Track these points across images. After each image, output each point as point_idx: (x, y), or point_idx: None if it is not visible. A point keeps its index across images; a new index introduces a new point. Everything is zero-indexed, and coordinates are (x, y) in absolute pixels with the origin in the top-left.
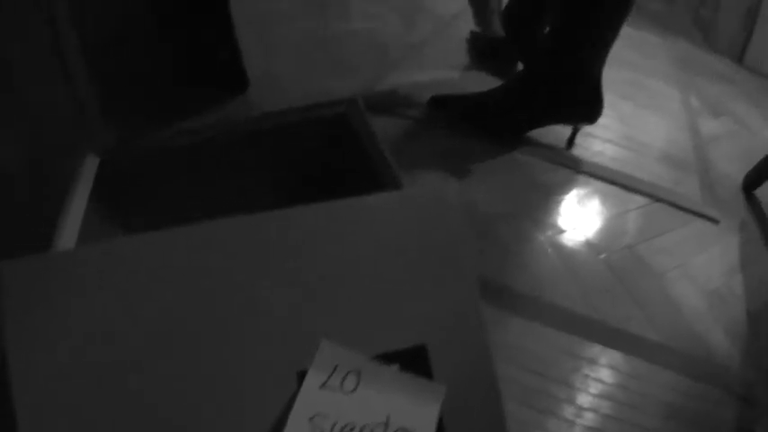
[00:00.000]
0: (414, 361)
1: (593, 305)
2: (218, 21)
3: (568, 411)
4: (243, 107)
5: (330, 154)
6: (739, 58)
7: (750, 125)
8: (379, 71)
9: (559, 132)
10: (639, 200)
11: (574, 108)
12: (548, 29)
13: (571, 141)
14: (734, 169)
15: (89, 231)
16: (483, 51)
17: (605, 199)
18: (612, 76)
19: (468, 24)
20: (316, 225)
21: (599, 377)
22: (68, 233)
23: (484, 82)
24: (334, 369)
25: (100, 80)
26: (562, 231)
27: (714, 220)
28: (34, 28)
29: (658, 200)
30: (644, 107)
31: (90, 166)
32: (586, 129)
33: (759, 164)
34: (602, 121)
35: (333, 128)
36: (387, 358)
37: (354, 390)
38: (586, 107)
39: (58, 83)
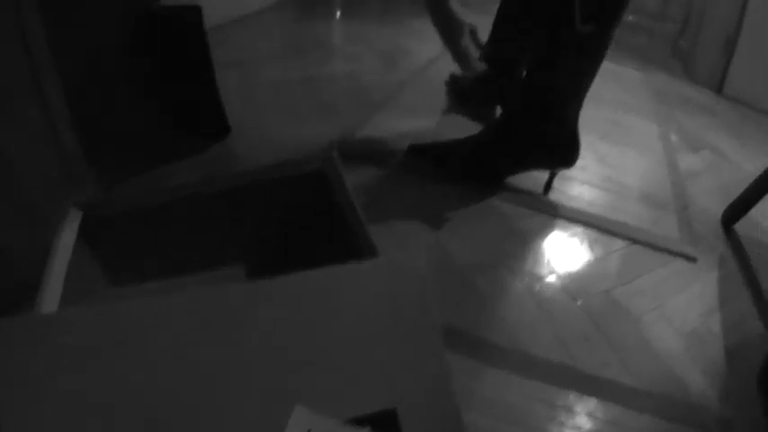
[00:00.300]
0: (384, 425)
1: (570, 353)
2: (201, 73)
3: None
4: (224, 154)
5: (307, 210)
6: (719, 88)
7: (730, 157)
8: (360, 115)
9: (537, 177)
10: (617, 242)
11: (550, 153)
12: (524, 71)
13: (548, 186)
14: (713, 204)
15: (74, 284)
16: (461, 94)
17: (582, 244)
18: (591, 115)
19: (447, 66)
20: (289, 295)
21: (576, 425)
22: (53, 288)
23: (463, 127)
24: None
25: (84, 128)
26: (539, 279)
27: (692, 259)
28: (19, 80)
29: (636, 241)
30: (623, 145)
31: (73, 220)
32: (564, 172)
33: (738, 198)
34: (580, 162)
35: (310, 184)
36: (358, 422)
37: None
38: (563, 152)
39: (43, 133)
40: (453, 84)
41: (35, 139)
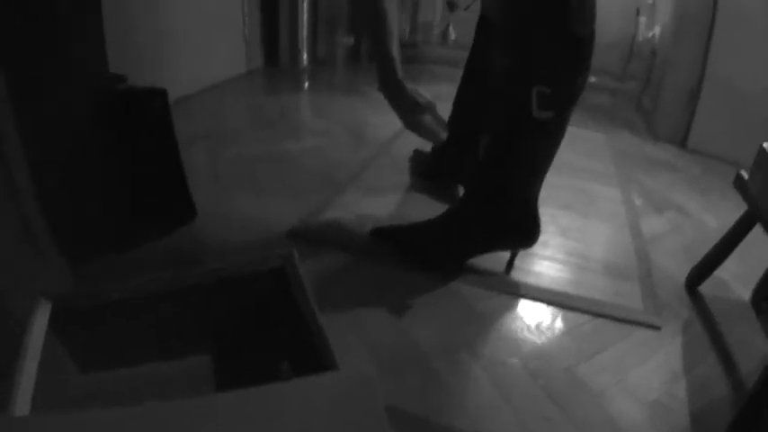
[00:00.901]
0: None
1: None
2: (167, 158)
3: None
4: (190, 236)
5: (268, 307)
6: (682, 142)
7: (694, 215)
8: (325, 194)
9: (499, 256)
10: (580, 318)
11: (511, 235)
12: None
13: (510, 265)
14: (677, 267)
15: (44, 374)
16: (424, 171)
17: (544, 322)
18: (554, 184)
19: (411, 141)
20: (240, 411)
21: None
22: (24, 388)
23: (427, 207)
24: None
25: (50, 212)
26: (500, 361)
27: (655, 327)
28: None
29: (598, 315)
30: (585, 215)
31: (43, 311)
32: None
33: (701, 261)
34: (542, 237)
35: (270, 282)
36: None
37: None
38: (523, 233)
39: (11, 218)
40: (416, 160)
41: (2, 224)
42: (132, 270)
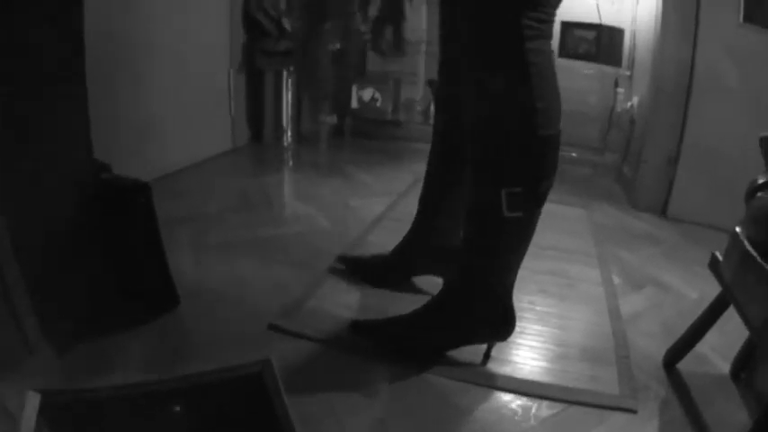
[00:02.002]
0: None
1: None
2: (150, 249)
3: None
4: (171, 324)
5: (244, 414)
6: (663, 210)
7: (674, 288)
8: (305, 284)
9: (477, 347)
10: (556, 406)
11: (486, 329)
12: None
13: (487, 356)
14: (655, 347)
15: None
16: (372, 276)
17: (519, 413)
18: (532, 267)
19: (390, 229)
20: None
21: None
22: None
23: (410, 300)
24: None
25: (36, 297)
26: None
27: (632, 411)
28: None
29: (574, 403)
30: (563, 299)
31: (33, 404)
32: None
33: (678, 341)
34: (519, 325)
35: (248, 387)
36: None
37: None
38: (498, 327)
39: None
40: (351, 264)
41: None
42: (116, 357)
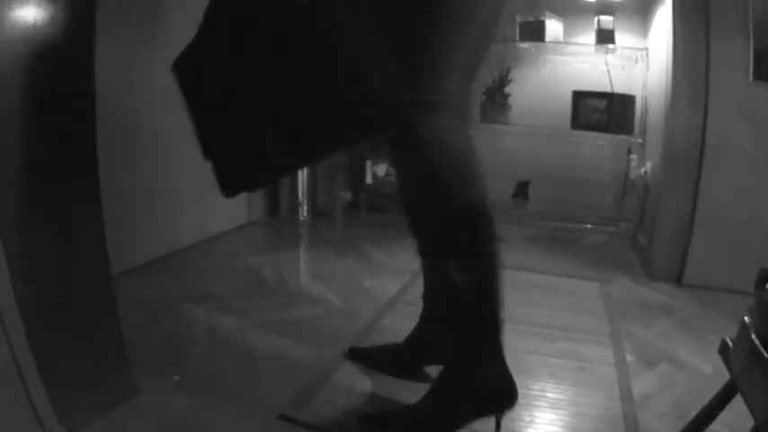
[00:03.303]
0: None
1: None
2: None
3: None
4: (185, 409)
5: None
6: (678, 278)
7: (687, 363)
8: (318, 371)
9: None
10: None
11: (490, 401)
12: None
13: (498, 427)
14: (666, 429)
15: None
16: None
17: None
18: (543, 350)
19: (404, 312)
20: None
21: None
22: None
23: (421, 388)
24: None
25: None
26: None
27: None
28: None
29: None
30: (575, 384)
31: None
32: (514, 427)
33: (689, 424)
34: (531, 413)
35: None
36: None
37: None
38: (501, 396)
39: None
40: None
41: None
42: None
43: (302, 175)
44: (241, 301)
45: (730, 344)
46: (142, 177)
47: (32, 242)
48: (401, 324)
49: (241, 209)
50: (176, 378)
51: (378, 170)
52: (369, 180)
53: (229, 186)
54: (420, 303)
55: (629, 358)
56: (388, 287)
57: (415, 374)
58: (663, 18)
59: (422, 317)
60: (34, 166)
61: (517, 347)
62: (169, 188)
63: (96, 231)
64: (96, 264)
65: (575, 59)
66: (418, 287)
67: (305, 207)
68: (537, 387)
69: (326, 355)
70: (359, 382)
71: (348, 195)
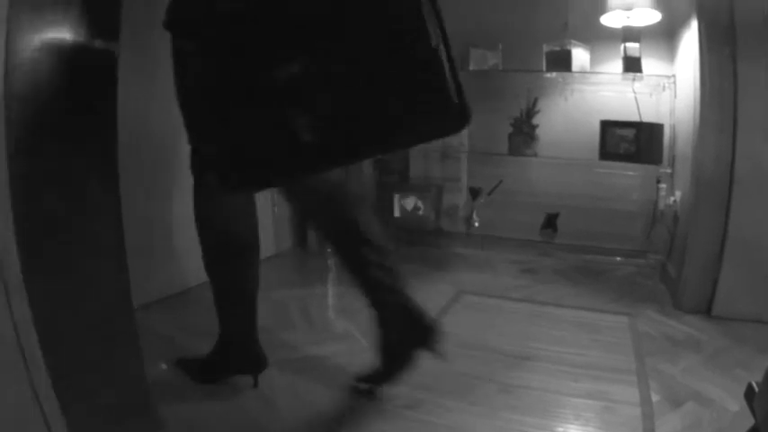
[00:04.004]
0: None
1: None
2: None
3: None
4: None
5: None
6: (707, 309)
7: (715, 401)
8: (340, 410)
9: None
10: None
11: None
12: None
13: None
14: None
15: None
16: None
17: None
18: (569, 390)
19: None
20: None
21: None
22: None
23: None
24: None
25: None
26: None
27: None
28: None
29: None
30: (598, 425)
31: None
32: None
33: None
34: None
35: None
36: None
37: None
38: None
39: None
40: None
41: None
42: None
43: None
44: (264, 337)
45: (756, 388)
46: (164, 207)
47: (53, 270)
48: (425, 362)
49: (268, 240)
50: (164, 366)
51: (406, 203)
52: (397, 213)
53: (230, 179)
54: (446, 340)
55: (654, 397)
56: None
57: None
58: (689, 43)
59: None
60: (59, 189)
61: (542, 387)
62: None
63: (119, 262)
64: (119, 298)
65: (602, 88)
66: (444, 324)
67: None
68: (560, 429)
69: (348, 395)
70: (382, 424)
71: None
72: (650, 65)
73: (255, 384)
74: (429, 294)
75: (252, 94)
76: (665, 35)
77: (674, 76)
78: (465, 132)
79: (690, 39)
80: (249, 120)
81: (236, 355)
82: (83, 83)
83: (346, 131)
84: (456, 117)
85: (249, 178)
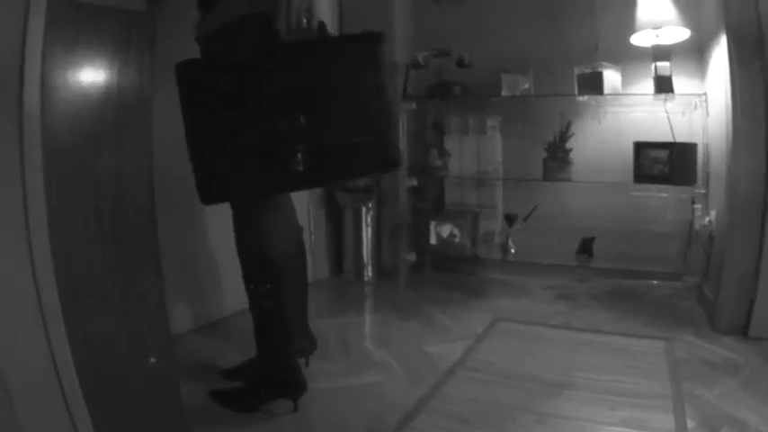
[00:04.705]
0: None
1: None
2: None
3: None
4: None
5: None
6: (744, 330)
7: (751, 427)
8: None
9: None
10: None
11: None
12: None
13: None
14: None
15: None
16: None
17: None
18: (604, 419)
19: (464, 380)
20: None
21: None
22: None
23: None
24: None
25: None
26: None
27: None
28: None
29: None
30: None
31: None
32: None
33: None
34: None
35: None
36: None
37: None
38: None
39: None
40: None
41: None
42: None
43: (366, 236)
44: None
45: None
46: (199, 239)
47: (93, 312)
48: (462, 392)
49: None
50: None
51: (442, 231)
52: (433, 241)
53: (212, 191)
54: (484, 370)
55: (690, 424)
56: (450, 352)
57: None
58: (719, 59)
59: None
60: (96, 227)
61: (580, 416)
62: (229, 249)
63: (158, 296)
64: (157, 333)
65: (634, 109)
66: (481, 352)
67: (369, 268)
68: None
69: (384, 425)
70: None
71: (412, 256)
72: (681, 83)
73: (295, 409)
74: (466, 322)
75: (255, 128)
76: (695, 52)
77: (705, 94)
78: (499, 158)
79: (720, 54)
80: (247, 145)
81: (276, 379)
82: (116, 118)
83: (321, 164)
84: (390, 163)
85: (226, 190)
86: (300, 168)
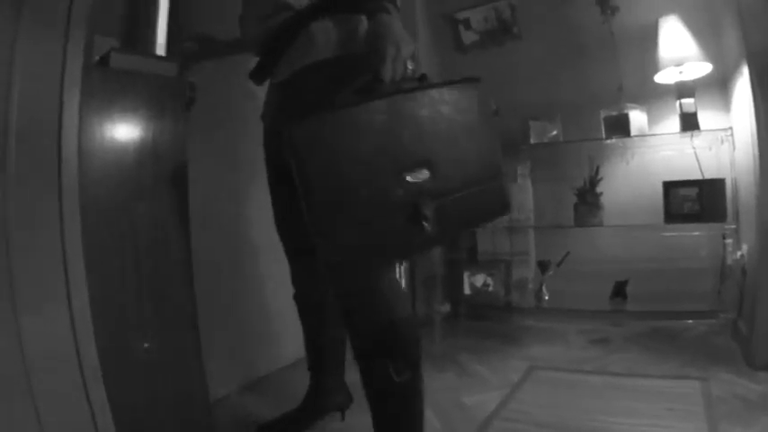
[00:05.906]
0: None
1: None
2: None
3: None
4: None
5: None
6: None
7: None
8: None
9: None
10: None
11: None
12: None
13: None
14: None
15: None
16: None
17: None
18: None
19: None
20: None
21: None
22: None
23: None
24: None
25: None
26: None
27: None
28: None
29: None
30: None
31: None
32: None
33: None
34: None
35: None
36: None
37: None
38: None
39: None
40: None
41: None
42: None
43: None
44: (340, 420)
45: None
46: (238, 294)
47: (131, 361)
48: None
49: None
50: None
51: (475, 280)
52: (467, 291)
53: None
54: (520, 420)
55: None
56: (486, 403)
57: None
58: (743, 91)
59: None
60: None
61: None
62: (269, 306)
63: (194, 349)
64: (194, 387)
65: (662, 148)
66: (518, 402)
67: None
68: None
69: None
70: None
71: (447, 307)
72: (707, 117)
73: (342, 418)
74: (502, 371)
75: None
76: (719, 85)
77: (731, 128)
78: (531, 206)
79: (743, 86)
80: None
81: (326, 394)
82: (152, 173)
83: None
84: (506, 207)
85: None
86: (430, 227)
